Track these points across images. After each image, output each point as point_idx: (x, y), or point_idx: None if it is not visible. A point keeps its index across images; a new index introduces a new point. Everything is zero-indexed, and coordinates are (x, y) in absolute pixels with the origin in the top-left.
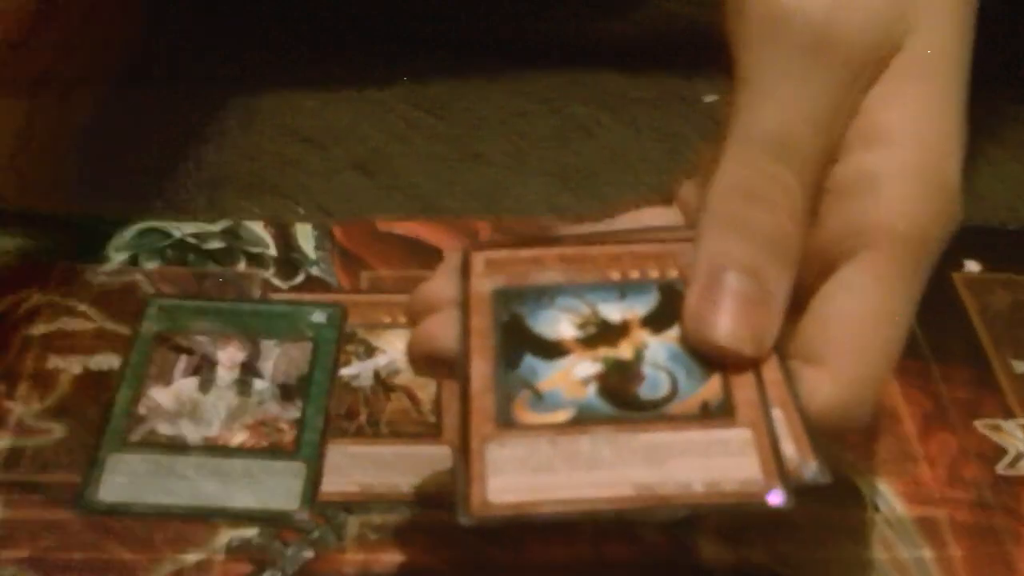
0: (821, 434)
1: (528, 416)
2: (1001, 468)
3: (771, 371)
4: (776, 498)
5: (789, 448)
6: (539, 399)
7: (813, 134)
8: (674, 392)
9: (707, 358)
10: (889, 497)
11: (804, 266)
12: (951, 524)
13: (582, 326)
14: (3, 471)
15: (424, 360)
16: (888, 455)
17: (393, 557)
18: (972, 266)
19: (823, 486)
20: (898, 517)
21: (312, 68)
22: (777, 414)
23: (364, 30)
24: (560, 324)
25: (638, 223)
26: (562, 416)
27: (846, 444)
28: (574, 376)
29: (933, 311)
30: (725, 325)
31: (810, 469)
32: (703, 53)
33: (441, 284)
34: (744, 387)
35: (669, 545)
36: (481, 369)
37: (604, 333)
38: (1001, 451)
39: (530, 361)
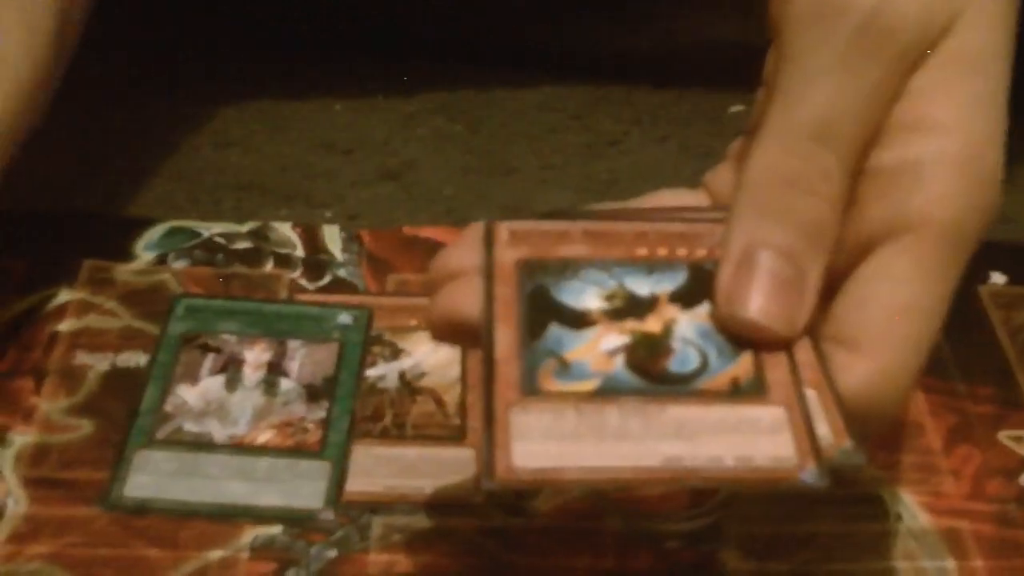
0: (850, 420)
1: (554, 384)
2: None
3: (804, 353)
4: (810, 476)
5: (823, 429)
6: (565, 369)
7: (857, 119)
8: (704, 368)
9: (738, 337)
10: (913, 509)
11: (839, 249)
12: (974, 536)
13: (609, 299)
14: (29, 467)
15: (445, 326)
16: (912, 467)
17: (416, 559)
18: (998, 279)
19: (857, 468)
20: (922, 529)
21: (344, 78)
22: (811, 395)
23: (397, 42)
24: (587, 296)
25: (663, 204)
26: (589, 386)
27: (869, 446)
28: (601, 348)
29: (959, 324)
30: (758, 303)
31: (845, 450)
32: (732, 69)
33: (463, 252)
34: (776, 367)
35: (693, 556)
36: (505, 337)
37: (632, 307)
38: None
39: (556, 331)
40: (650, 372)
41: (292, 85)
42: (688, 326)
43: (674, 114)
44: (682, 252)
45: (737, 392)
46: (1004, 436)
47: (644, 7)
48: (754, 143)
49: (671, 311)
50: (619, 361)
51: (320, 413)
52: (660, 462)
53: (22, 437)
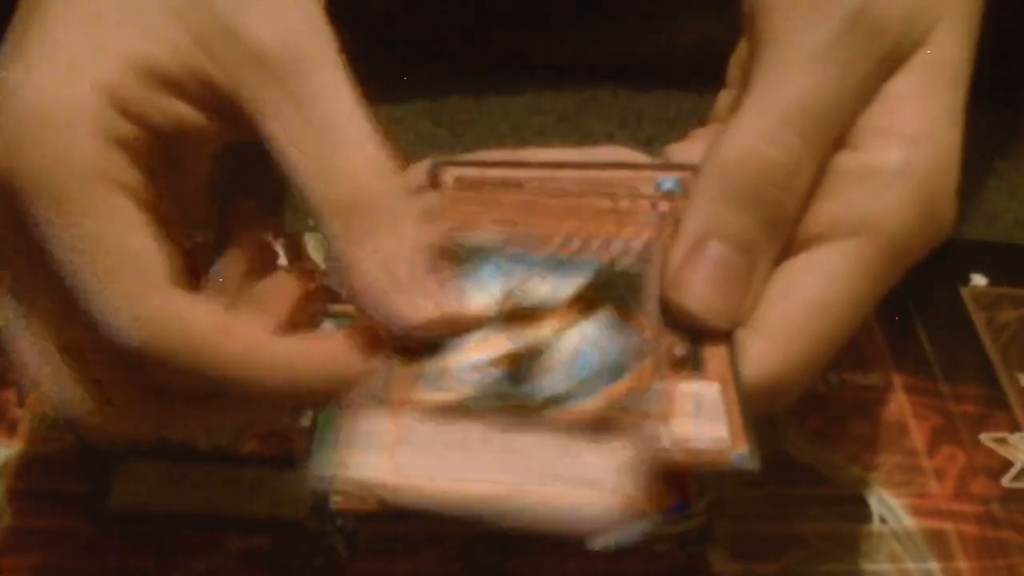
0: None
1: (417, 393)
2: (1007, 481)
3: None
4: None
5: (721, 430)
6: (437, 376)
7: (836, 111)
8: (578, 391)
9: (677, 319)
10: (897, 511)
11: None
12: (959, 537)
13: (507, 298)
14: (14, 479)
15: None
16: (896, 468)
17: (404, 566)
18: (979, 280)
19: (750, 474)
20: (906, 530)
21: None
22: (715, 389)
23: (381, 46)
24: (487, 290)
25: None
26: (453, 396)
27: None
28: (482, 355)
29: (941, 325)
30: (703, 294)
31: (742, 455)
32: (719, 71)
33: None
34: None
35: (682, 558)
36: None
37: (527, 311)
38: (1007, 464)
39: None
40: (525, 384)
41: None
42: (578, 334)
43: (660, 116)
44: (609, 231)
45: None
46: (986, 438)
47: (631, 10)
48: (729, 122)
49: (567, 315)
50: (496, 371)
51: (305, 422)
52: (511, 477)
53: (6, 450)
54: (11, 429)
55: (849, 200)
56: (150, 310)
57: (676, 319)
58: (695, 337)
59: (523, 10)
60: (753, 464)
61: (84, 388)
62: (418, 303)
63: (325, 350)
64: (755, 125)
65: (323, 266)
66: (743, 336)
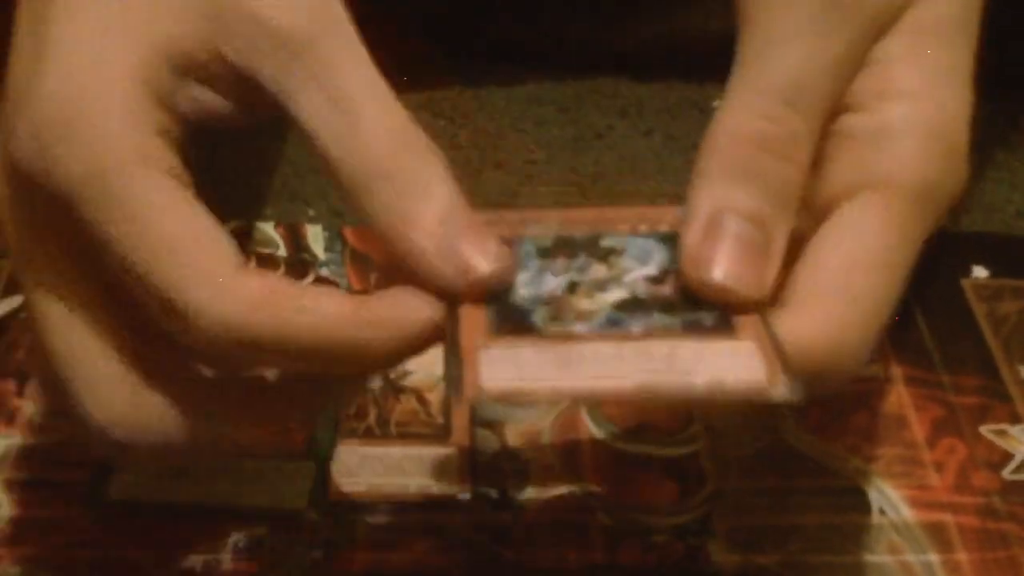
0: (806, 378)
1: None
2: (1007, 473)
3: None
4: (782, 391)
5: (760, 373)
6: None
7: (826, 83)
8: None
9: (704, 301)
10: (897, 502)
11: (802, 212)
12: (958, 529)
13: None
14: (13, 469)
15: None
16: (896, 460)
17: (402, 557)
18: (980, 272)
19: (796, 406)
20: (905, 522)
21: None
22: (750, 346)
23: (380, 36)
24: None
25: None
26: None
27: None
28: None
29: (942, 317)
30: (725, 267)
31: (781, 387)
32: (718, 61)
33: None
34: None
35: (681, 550)
36: None
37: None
38: (1008, 456)
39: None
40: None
41: None
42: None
43: (660, 106)
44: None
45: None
46: (986, 430)
47: (631, 0)
48: (720, 106)
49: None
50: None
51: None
52: (632, 383)
53: (5, 439)
54: (10, 419)
55: (862, 159)
56: (234, 290)
57: (702, 299)
58: (722, 315)
59: (524, 0)
60: (796, 395)
61: (171, 408)
62: (483, 252)
63: (406, 301)
64: (748, 102)
65: (322, 256)
66: (782, 315)
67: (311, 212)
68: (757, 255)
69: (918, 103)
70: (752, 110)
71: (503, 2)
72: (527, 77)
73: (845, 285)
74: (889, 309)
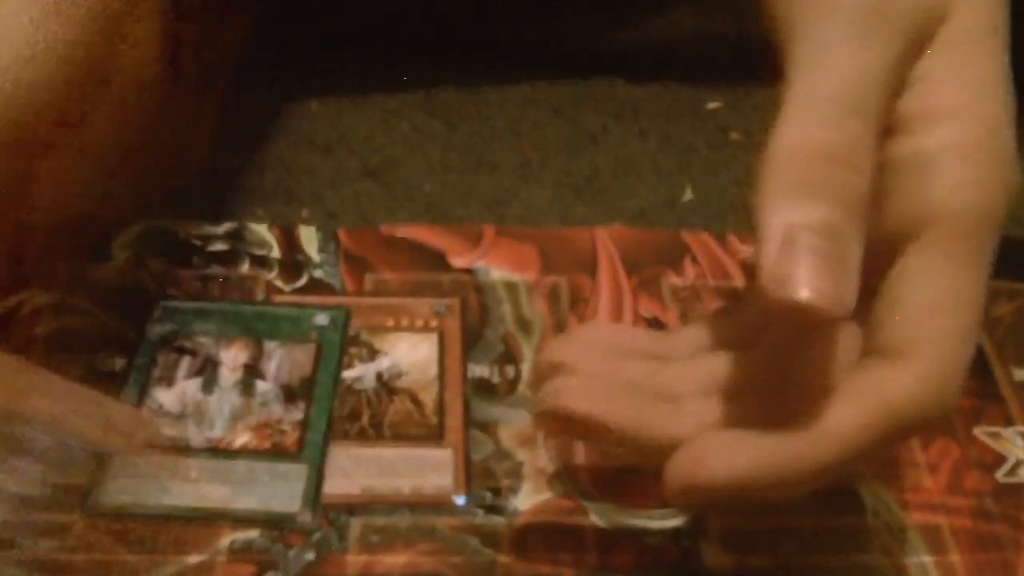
0: (910, 426)
1: None
2: (1001, 475)
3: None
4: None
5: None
6: None
7: (880, 88)
8: None
9: (788, 319)
10: (890, 504)
11: (868, 247)
12: (952, 531)
13: None
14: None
15: (553, 420)
16: (890, 462)
17: (395, 559)
18: None
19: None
20: (899, 524)
21: (322, 75)
22: None
23: (375, 37)
24: None
25: None
26: None
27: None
28: None
29: None
30: (808, 282)
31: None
32: (712, 63)
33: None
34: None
35: (675, 552)
36: None
37: None
38: (1001, 458)
39: None
40: None
41: (271, 82)
42: None
43: (654, 109)
44: None
45: None
46: (980, 432)
47: (627, 2)
48: (777, 122)
49: None
50: None
51: (297, 414)
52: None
53: None
54: None
55: (911, 193)
56: None
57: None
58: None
59: (519, 2)
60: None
61: None
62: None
63: None
64: (806, 113)
65: (316, 258)
66: (883, 370)
67: (305, 213)
68: (837, 268)
69: (955, 122)
70: (812, 120)
71: (498, 4)
72: (522, 79)
73: (937, 335)
74: (974, 339)
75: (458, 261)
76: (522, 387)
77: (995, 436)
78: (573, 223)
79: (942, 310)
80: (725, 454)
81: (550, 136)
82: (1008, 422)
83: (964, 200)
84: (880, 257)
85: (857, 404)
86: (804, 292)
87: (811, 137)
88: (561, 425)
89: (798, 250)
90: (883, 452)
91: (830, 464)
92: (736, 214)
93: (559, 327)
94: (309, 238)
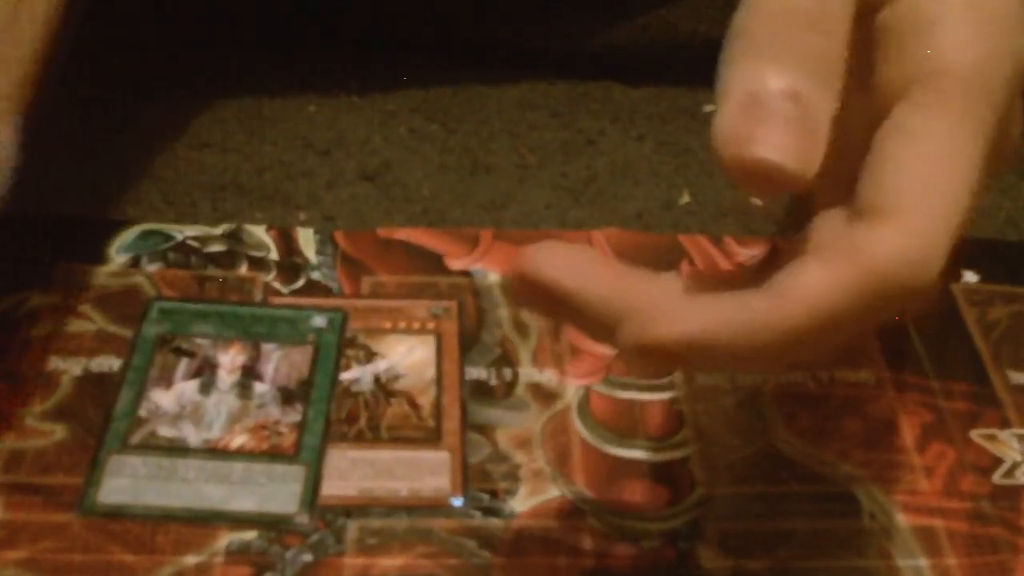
0: (891, 291)
1: None
2: (997, 478)
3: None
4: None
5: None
6: None
7: None
8: None
9: (747, 184)
10: (887, 507)
11: (856, 121)
12: (948, 534)
13: None
14: (4, 473)
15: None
16: (886, 465)
17: (392, 562)
18: (970, 277)
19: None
20: (895, 527)
21: (321, 77)
22: None
23: (375, 40)
24: None
25: None
26: None
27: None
28: None
29: (931, 321)
30: (773, 140)
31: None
32: (709, 66)
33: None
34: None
35: (671, 555)
36: None
37: None
38: (997, 461)
39: None
40: None
41: (269, 85)
42: None
43: (651, 111)
44: None
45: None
46: (976, 434)
47: (621, 4)
48: None
49: None
50: None
51: (295, 416)
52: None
53: None
54: (1, 422)
55: (906, 52)
56: None
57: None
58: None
59: (516, 5)
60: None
61: None
62: None
63: None
64: None
65: (314, 260)
66: (867, 229)
67: (302, 216)
68: (802, 132)
69: None
70: None
71: (494, 6)
72: (520, 81)
73: (925, 191)
74: (968, 202)
75: (455, 264)
76: (519, 389)
77: (991, 439)
78: (570, 226)
79: (933, 164)
80: (678, 311)
81: (547, 139)
82: (1005, 424)
83: (962, 57)
84: (869, 129)
85: (829, 262)
86: (766, 150)
87: (779, 1)
88: (536, 294)
89: (760, 111)
90: (862, 322)
91: (799, 328)
92: (734, 217)
93: (556, 330)
94: (307, 240)
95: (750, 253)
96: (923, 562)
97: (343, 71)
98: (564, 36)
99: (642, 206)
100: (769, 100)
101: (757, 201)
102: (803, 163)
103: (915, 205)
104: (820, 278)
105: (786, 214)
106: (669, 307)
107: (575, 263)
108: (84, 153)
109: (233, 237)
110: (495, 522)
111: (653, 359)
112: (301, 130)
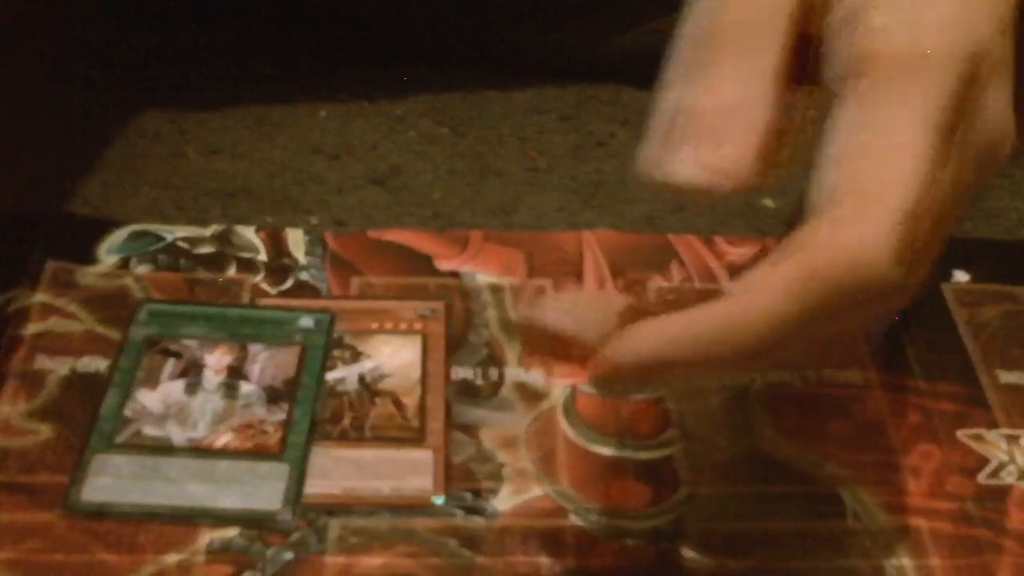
0: (839, 286)
1: None
2: (983, 478)
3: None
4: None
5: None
6: None
7: None
8: None
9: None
10: (871, 508)
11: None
12: (932, 535)
13: None
14: None
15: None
16: (871, 465)
17: (374, 561)
18: (961, 277)
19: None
20: (880, 528)
21: (331, 82)
22: None
23: (384, 45)
24: None
25: None
26: None
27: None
28: None
29: (922, 322)
30: (683, 159)
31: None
32: None
33: None
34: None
35: (654, 554)
36: None
37: None
38: (984, 461)
39: None
40: None
41: (279, 90)
42: None
43: None
44: None
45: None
46: (963, 434)
47: (631, 7)
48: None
49: None
50: None
51: (280, 415)
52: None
53: None
54: None
55: (840, 46)
56: None
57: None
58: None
59: (525, 8)
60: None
61: None
62: None
63: None
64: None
65: (303, 261)
66: (813, 232)
67: (313, 220)
68: (721, 146)
69: None
70: (703, 7)
71: (503, 10)
72: (529, 85)
73: (856, 182)
74: (922, 188)
75: (445, 265)
76: (505, 390)
77: (978, 439)
78: (580, 229)
79: (865, 156)
80: (651, 329)
81: (557, 142)
82: (992, 425)
83: (895, 42)
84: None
85: (784, 262)
86: (675, 171)
87: (707, 14)
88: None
89: (681, 127)
90: (826, 321)
91: (762, 329)
92: (744, 218)
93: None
94: (296, 241)
95: (740, 252)
96: (907, 563)
97: (352, 76)
98: (574, 40)
99: (652, 209)
100: (689, 119)
101: (769, 202)
102: (720, 175)
103: (848, 198)
104: (767, 281)
105: (795, 214)
106: (641, 328)
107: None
108: (93, 158)
109: (223, 238)
110: (478, 521)
111: (628, 375)
112: (311, 135)
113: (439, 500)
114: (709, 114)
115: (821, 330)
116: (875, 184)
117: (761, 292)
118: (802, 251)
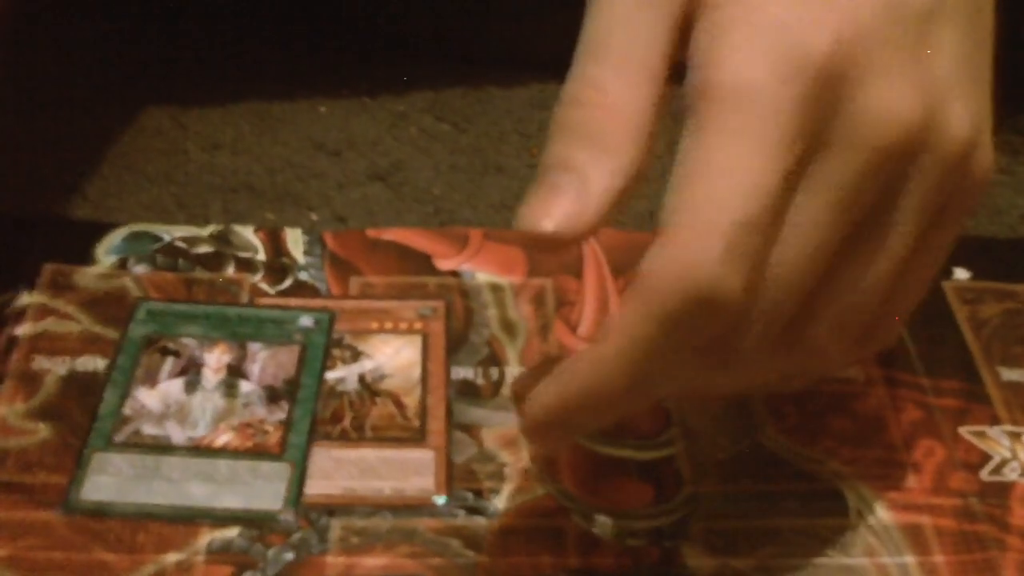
0: (678, 313)
1: None
2: (985, 474)
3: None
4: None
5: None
6: None
7: (625, 31)
8: None
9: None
10: (874, 504)
11: None
12: (936, 531)
13: None
14: None
15: None
16: (874, 462)
17: (375, 561)
18: (961, 274)
19: None
20: (883, 524)
21: (333, 78)
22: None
23: (386, 41)
24: None
25: None
26: None
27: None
28: None
29: (923, 319)
30: (537, 212)
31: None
32: None
33: None
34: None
35: (656, 553)
36: None
37: None
38: (986, 457)
39: None
40: None
41: (280, 86)
42: None
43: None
44: None
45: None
46: (966, 431)
47: None
48: None
49: None
50: None
51: (280, 415)
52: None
53: None
54: None
55: (692, 74)
56: None
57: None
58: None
59: (526, 4)
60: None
61: None
62: None
63: None
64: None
65: (302, 261)
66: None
67: (314, 217)
68: (566, 198)
69: (723, 8)
70: (568, 77)
71: (505, 6)
72: (530, 81)
73: (688, 205)
74: (745, 210)
75: (444, 264)
76: (505, 389)
77: (980, 435)
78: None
79: (696, 177)
80: (535, 398)
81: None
82: (994, 421)
83: (717, 70)
84: None
85: (629, 295)
86: (529, 222)
87: (566, 89)
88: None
89: (537, 187)
90: (682, 348)
91: (626, 368)
92: None
93: (544, 330)
94: (295, 241)
95: None
96: (910, 559)
97: (353, 72)
98: (574, 36)
99: (653, 205)
100: (545, 175)
101: None
102: (575, 224)
103: (679, 216)
104: (620, 319)
105: None
106: (534, 392)
107: None
108: (94, 155)
109: (221, 238)
110: (479, 521)
111: (539, 438)
112: (312, 131)
113: (440, 500)
114: (558, 174)
115: (688, 355)
116: (704, 200)
117: (616, 332)
118: (643, 279)
